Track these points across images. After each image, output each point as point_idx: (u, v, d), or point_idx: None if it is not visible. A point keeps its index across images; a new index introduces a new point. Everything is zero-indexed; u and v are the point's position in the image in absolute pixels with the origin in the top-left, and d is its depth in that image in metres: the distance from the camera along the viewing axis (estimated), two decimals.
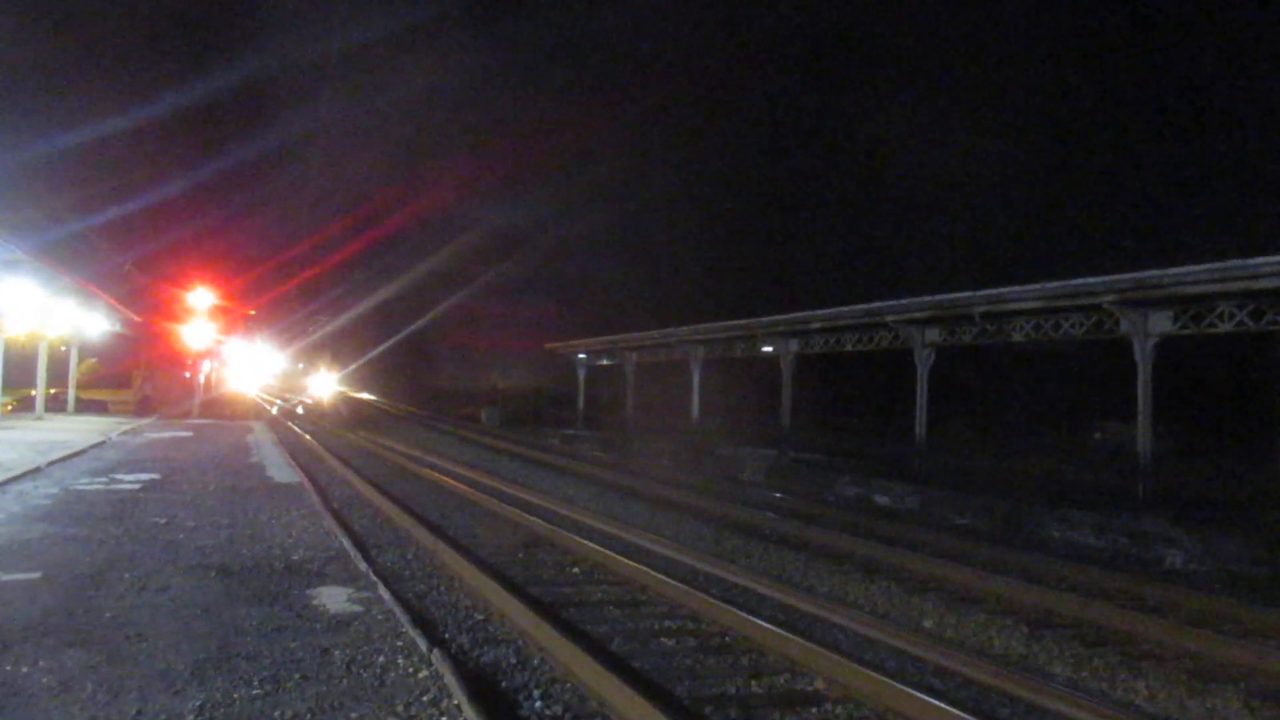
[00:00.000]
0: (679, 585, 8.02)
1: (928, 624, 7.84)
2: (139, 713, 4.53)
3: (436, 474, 17.35)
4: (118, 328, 34.46)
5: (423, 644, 5.70)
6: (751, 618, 6.96)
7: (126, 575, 7.42)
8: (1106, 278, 15.34)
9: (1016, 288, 17.22)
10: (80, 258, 29.27)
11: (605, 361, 38.26)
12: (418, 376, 69.12)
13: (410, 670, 5.28)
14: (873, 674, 5.67)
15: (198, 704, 4.66)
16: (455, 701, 4.76)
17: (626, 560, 9.10)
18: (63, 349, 34.08)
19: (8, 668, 5.08)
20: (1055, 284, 16.45)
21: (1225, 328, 14.42)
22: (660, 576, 8.32)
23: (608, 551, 9.54)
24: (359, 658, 5.47)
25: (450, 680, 5.01)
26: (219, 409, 41.50)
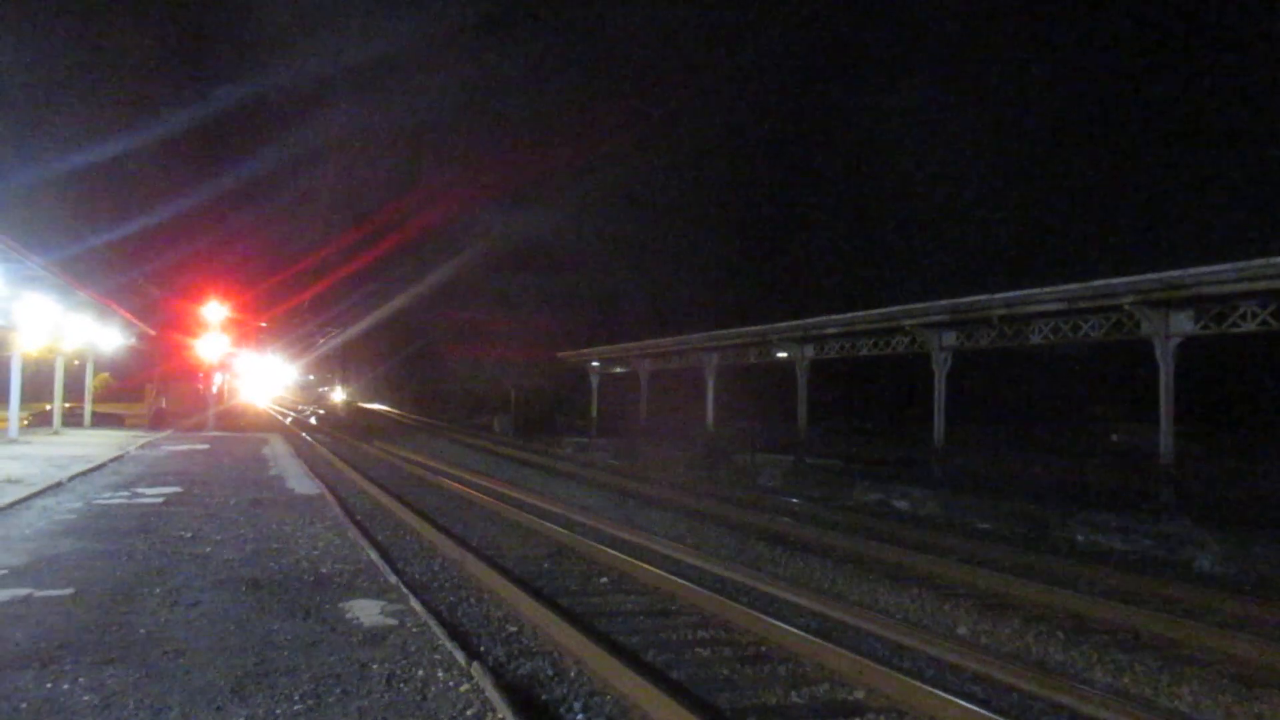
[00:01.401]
0: (708, 594, 7.98)
1: (961, 630, 7.76)
2: None
3: (454, 484, 17.35)
4: (132, 341, 34.65)
5: (461, 657, 5.66)
6: (785, 625, 6.91)
7: (157, 590, 7.42)
8: (1128, 279, 15.16)
9: (1035, 290, 17.03)
10: (94, 272, 29.52)
11: (618, 369, 38.20)
12: (429, 386, 69.23)
13: (451, 684, 5.24)
14: (915, 682, 5.61)
15: None
16: (500, 716, 4.73)
17: (652, 569, 9.06)
18: (77, 363, 34.27)
19: (49, 685, 5.07)
20: (1075, 285, 16.27)
21: (1248, 328, 14.27)
22: (688, 585, 8.29)
23: (633, 560, 9.51)
24: (398, 672, 5.44)
25: (492, 694, 4.97)
26: (233, 421, 41.68)
